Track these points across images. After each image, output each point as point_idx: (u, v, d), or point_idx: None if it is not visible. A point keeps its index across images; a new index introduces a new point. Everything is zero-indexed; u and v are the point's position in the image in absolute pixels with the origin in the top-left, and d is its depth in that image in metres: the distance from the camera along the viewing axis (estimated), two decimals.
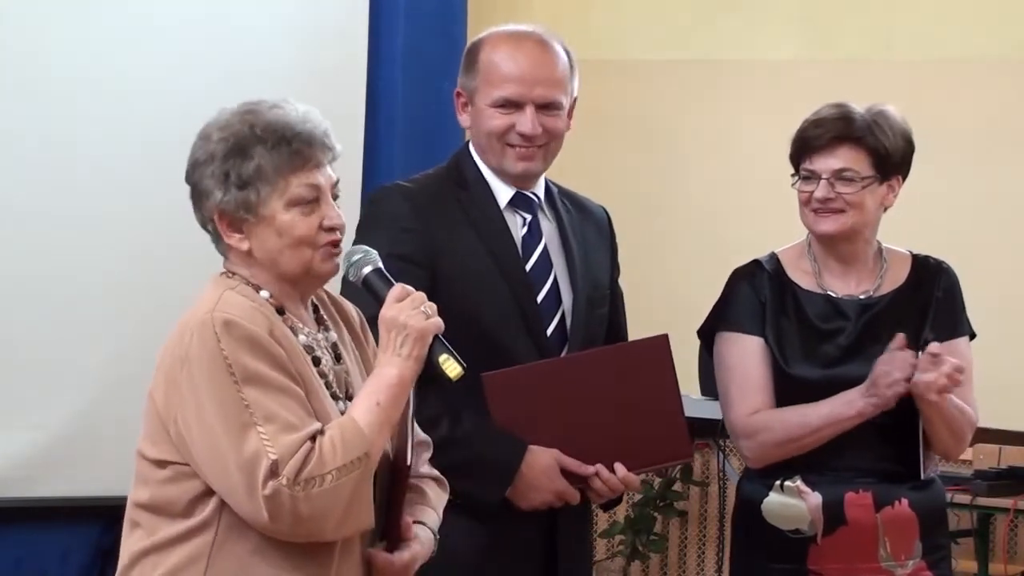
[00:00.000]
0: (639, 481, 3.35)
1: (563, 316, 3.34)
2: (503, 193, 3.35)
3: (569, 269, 3.37)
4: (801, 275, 3.56)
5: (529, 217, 3.37)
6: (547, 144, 3.33)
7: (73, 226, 4.66)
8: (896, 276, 3.57)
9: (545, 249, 3.36)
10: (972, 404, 3.54)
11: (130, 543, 2.69)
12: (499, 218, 3.32)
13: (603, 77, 6.34)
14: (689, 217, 6.24)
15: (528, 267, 3.33)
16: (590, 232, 3.46)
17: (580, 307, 3.35)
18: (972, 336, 3.61)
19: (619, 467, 3.22)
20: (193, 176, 2.75)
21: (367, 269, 2.77)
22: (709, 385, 5.06)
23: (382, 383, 2.66)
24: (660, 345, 3.27)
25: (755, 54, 6.17)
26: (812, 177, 3.47)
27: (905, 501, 3.49)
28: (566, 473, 3.19)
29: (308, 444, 2.55)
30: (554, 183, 3.48)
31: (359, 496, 2.59)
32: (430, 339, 2.69)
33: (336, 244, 2.72)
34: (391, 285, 2.73)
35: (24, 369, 4.61)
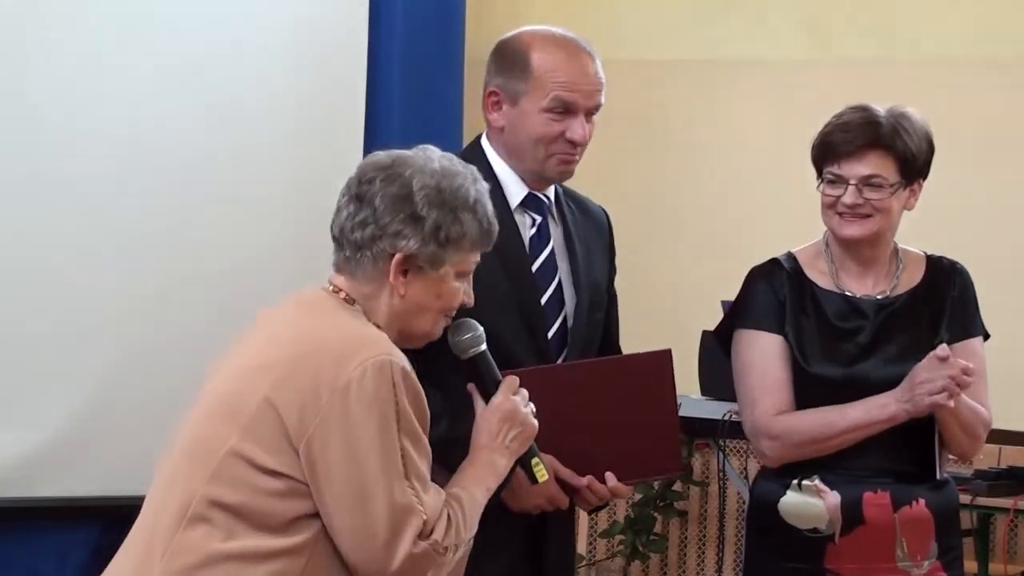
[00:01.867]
0: (629, 491, 3.37)
1: (565, 319, 3.34)
2: (515, 194, 3.36)
3: (573, 272, 3.37)
4: (818, 275, 3.56)
5: (539, 219, 3.37)
6: (583, 149, 3.36)
7: (73, 226, 4.65)
8: (911, 276, 3.58)
9: (552, 251, 3.37)
10: (986, 404, 3.55)
11: (195, 539, 2.63)
12: (508, 218, 3.32)
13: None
14: (690, 216, 6.24)
15: (534, 268, 3.33)
16: (591, 234, 3.47)
17: (582, 311, 3.36)
18: (986, 337, 3.62)
19: (610, 477, 3.23)
20: (376, 205, 2.75)
21: (475, 350, 2.93)
22: (710, 385, 5.08)
23: (493, 471, 2.81)
24: (663, 360, 3.28)
25: (755, 54, 6.17)
26: (839, 182, 3.46)
27: (922, 501, 3.49)
28: (558, 479, 3.19)
29: (447, 511, 2.66)
30: (559, 184, 3.49)
31: (457, 571, 2.72)
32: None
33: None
34: (495, 371, 2.90)
35: (24, 369, 4.60)
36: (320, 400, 2.60)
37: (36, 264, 4.62)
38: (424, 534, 2.60)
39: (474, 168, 2.84)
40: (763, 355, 3.51)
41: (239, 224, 4.88)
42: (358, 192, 2.77)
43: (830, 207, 3.48)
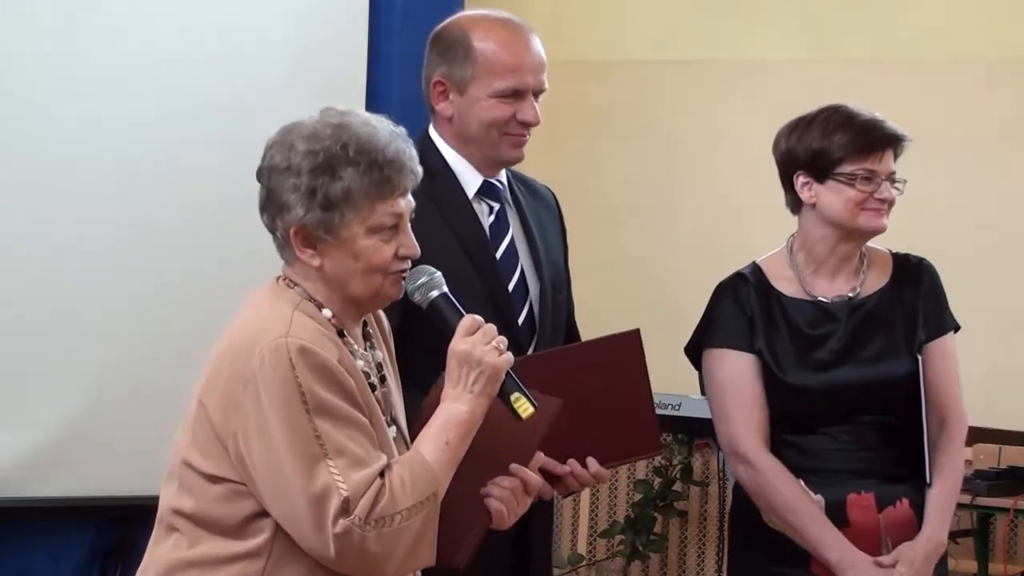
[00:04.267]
0: (610, 475, 3.34)
1: (531, 305, 3.34)
2: (471, 183, 3.34)
3: (533, 257, 3.37)
4: (785, 283, 3.56)
5: (497, 206, 3.36)
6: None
7: (73, 226, 4.65)
8: (879, 275, 3.58)
9: (512, 238, 3.36)
10: (958, 400, 3.56)
11: (165, 549, 2.64)
12: (468, 207, 3.32)
13: (603, 77, 6.34)
14: (689, 217, 6.24)
15: (498, 255, 3.32)
16: (544, 216, 3.47)
17: (546, 294, 3.35)
18: (956, 328, 3.62)
19: (592, 463, 3.20)
20: (269, 181, 2.64)
21: (434, 293, 2.74)
22: None
23: (452, 421, 2.62)
24: (632, 339, 3.23)
25: (755, 54, 6.16)
26: (873, 177, 3.47)
27: (906, 501, 3.49)
28: (540, 468, 3.17)
29: (378, 481, 2.52)
30: (507, 169, 3.47)
31: (424, 535, 2.56)
32: (503, 377, 2.66)
33: (405, 271, 2.68)
34: (459, 314, 2.70)
35: (24, 369, 4.60)
36: (236, 395, 2.54)
37: (36, 264, 4.61)
38: (347, 512, 2.48)
39: (377, 116, 2.68)
40: (734, 374, 3.51)
41: (239, 223, 4.84)
42: (258, 173, 2.66)
43: (859, 203, 3.48)
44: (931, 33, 5.96)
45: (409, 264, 2.68)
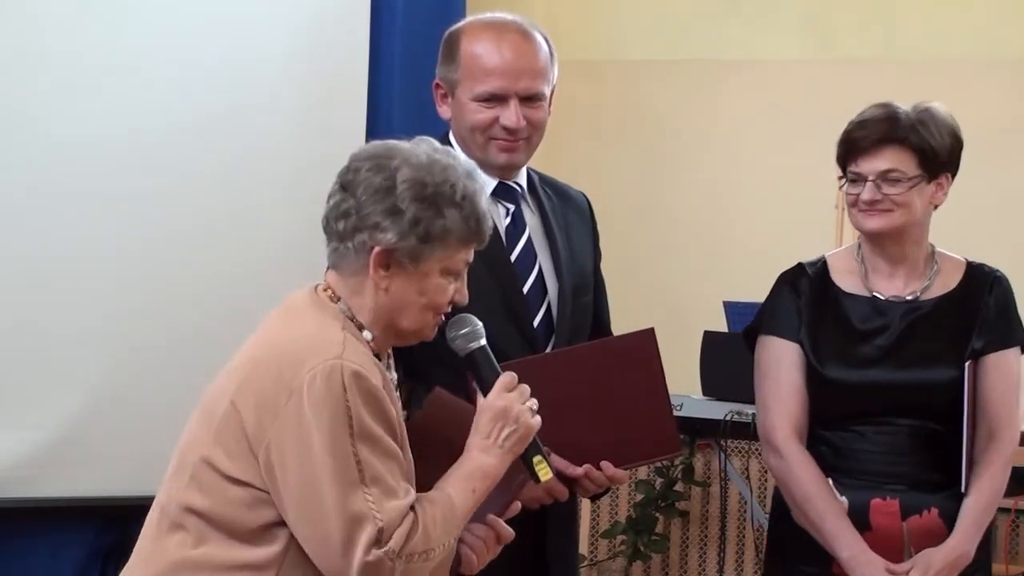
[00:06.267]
0: (627, 476, 3.34)
1: (549, 306, 3.33)
2: (485, 184, 3.34)
3: (553, 259, 3.36)
4: (847, 277, 3.54)
5: (512, 207, 3.36)
6: (530, 136, 3.32)
7: (74, 228, 4.65)
8: (947, 281, 3.54)
9: (529, 239, 3.35)
10: (1013, 415, 3.50)
11: (170, 546, 2.64)
12: None
13: (603, 77, 6.34)
14: (689, 217, 6.24)
15: (512, 258, 3.32)
16: (572, 219, 3.46)
17: (566, 296, 3.34)
18: None
19: (607, 465, 3.20)
20: (358, 194, 2.68)
21: (474, 345, 2.80)
22: (711, 385, 5.07)
23: (480, 471, 2.69)
24: (647, 338, 3.23)
25: (755, 54, 6.17)
26: (859, 179, 3.45)
27: (935, 511, 3.45)
28: (555, 470, 3.17)
29: (411, 516, 2.56)
30: (535, 171, 3.46)
31: (441, 572, 2.63)
32: (532, 438, 2.74)
33: (447, 315, 2.75)
34: (496, 371, 2.77)
35: (24, 369, 4.60)
36: (276, 405, 2.56)
37: (37, 265, 4.61)
38: (380, 542, 2.52)
39: (472, 163, 2.77)
40: (777, 361, 3.51)
41: (239, 225, 4.88)
42: (344, 181, 2.70)
43: (852, 205, 3.47)
44: (931, 33, 5.96)
45: (450, 309, 2.75)
